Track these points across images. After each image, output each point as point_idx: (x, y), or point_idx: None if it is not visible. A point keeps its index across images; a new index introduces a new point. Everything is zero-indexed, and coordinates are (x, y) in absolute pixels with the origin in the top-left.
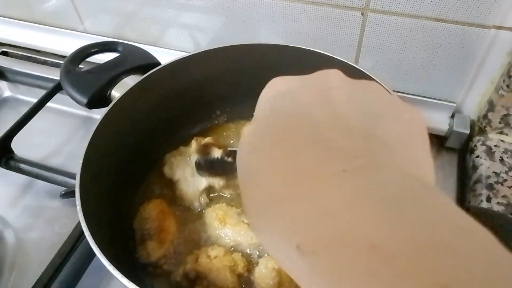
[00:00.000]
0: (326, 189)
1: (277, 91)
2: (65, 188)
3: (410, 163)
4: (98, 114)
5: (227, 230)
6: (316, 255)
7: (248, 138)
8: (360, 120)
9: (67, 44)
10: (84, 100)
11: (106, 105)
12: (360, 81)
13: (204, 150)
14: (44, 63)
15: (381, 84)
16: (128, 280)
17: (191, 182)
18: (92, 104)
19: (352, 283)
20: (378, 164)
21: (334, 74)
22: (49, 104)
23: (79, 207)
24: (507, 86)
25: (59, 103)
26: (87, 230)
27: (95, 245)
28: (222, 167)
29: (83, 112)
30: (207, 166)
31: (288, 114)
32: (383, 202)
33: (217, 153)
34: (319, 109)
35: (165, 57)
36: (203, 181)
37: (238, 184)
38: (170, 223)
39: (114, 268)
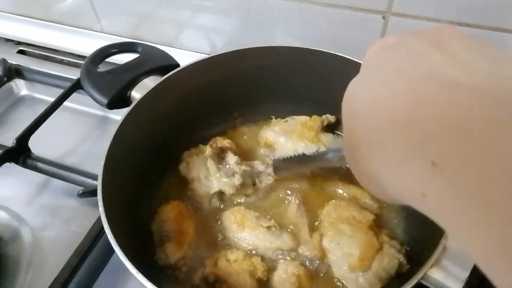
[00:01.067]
0: (460, 108)
1: (385, 43)
2: (83, 188)
3: None
4: (114, 114)
5: (246, 233)
6: (456, 170)
7: (354, 86)
8: (484, 63)
9: (84, 43)
10: (105, 101)
11: (126, 106)
12: (475, 38)
13: (220, 154)
14: (61, 62)
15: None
16: (146, 280)
17: (204, 183)
18: (112, 104)
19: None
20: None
21: (448, 29)
22: (65, 103)
23: (101, 209)
24: None
25: (75, 102)
26: (110, 233)
27: (118, 247)
28: (300, 163)
29: (99, 111)
30: (283, 166)
31: (402, 57)
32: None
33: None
34: (438, 53)
35: (181, 57)
36: (215, 185)
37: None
38: (189, 225)
39: (138, 272)
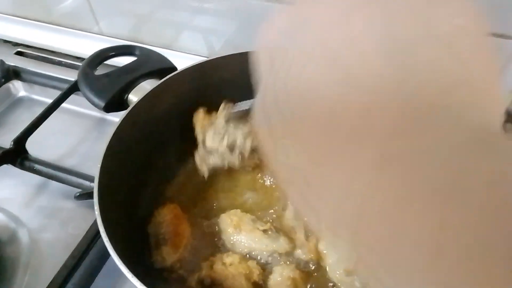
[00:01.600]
0: (366, 182)
1: (276, 34)
2: (80, 190)
3: (470, 97)
4: (112, 116)
5: (242, 236)
6: (374, 252)
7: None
8: (392, 61)
9: (82, 45)
10: (102, 104)
11: (123, 109)
12: None
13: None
14: (59, 63)
15: None
16: (141, 283)
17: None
18: (109, 107)
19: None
20: (420, 132)
21: None
22: (63, 104)
23: (97, 212)
24: None
25: (73, 104)
26: (106, 236)
27: (113, 250)
28: None
29: (97, 113)
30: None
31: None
32: (432, 190)
33: None
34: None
35: (179, 60)
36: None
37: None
38: (185, 227)
39: (133, 276)
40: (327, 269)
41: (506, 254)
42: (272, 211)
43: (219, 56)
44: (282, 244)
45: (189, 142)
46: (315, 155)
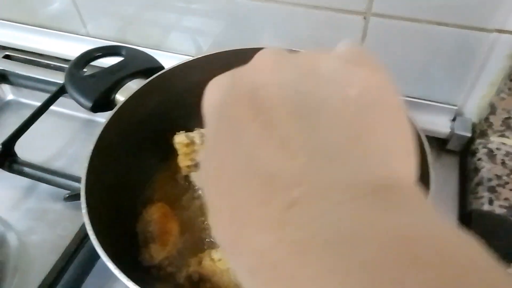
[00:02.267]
0: (267, 239)
1: (214, 101)
2: (69, 191)
3: (373, 155)
4: (100, 117)
5: None
6: None
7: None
8: (296, 125)
9: (69, 47)
10: (89, 104)
11: (110, 109)
12: (293, 57)
13: None
14: (47, 66)
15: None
16: (133, 283)
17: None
18: (96, 107)
19: None
20: (323, 185)
21: (262, 62)
22: (52, 107)
23: (84, 211)
24: (508, 89)
25: (62, 106)
26: (93, 235)
27: (101, 249)
28: None
29: (85, 115)
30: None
31: (223, 136)
32: (333, 240)
33: None
34: (250, 122)
35: (167, 60)
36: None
37: None
38: (173, 225)
39: (120, 272)
40: None
41: None
42: None
43: (208, 54)
44: None
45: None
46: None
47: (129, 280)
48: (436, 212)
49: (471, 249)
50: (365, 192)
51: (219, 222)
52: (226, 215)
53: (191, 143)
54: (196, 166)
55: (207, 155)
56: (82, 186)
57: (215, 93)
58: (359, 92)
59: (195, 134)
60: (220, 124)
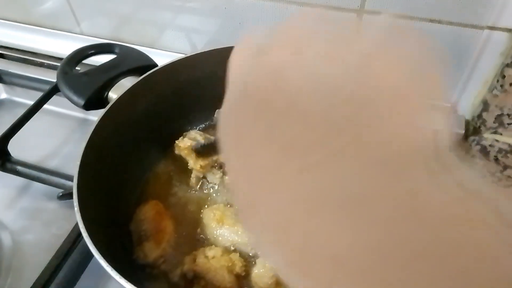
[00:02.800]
0: (284, 195)
1: (247, 53)
2: (62, 190)
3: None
4: (94, 116)
5: (225, 230)
6: (287, 269)
7: (221, 125)
8: (315, 100)
9: (63, 46)
10: (81, 102)
11: (103, 107)
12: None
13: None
14: (41, 65)
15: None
16: (126, 281)
17: None
18: (89, 105)
19: None
20: (337, 153)
21: (308, 16)
22: (45, 106)
23: (76, 209)
24: (501, 86)
25: (55, 105)
26: (85, 232)
27: (94, 247)
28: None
29: (79, 114)
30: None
31: (254, 91)
32: (344, 201)
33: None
34: (272, 94)
35: (162, 59)
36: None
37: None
38: (167, 224)
39: (112, 269)
40: (253, 278)
41: (403, 267)
42: None
43: (200, 51)
44: None
45: (170, 139)
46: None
47: (122, 277)
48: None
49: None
50: (377, 160)
51: (237, 183)
52: (244, 176)
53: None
54: (210, 164)
55: (227, 117)
56: (74, 185)
57: (241, 61)
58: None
59: (194, 135)
60: (243, 93)
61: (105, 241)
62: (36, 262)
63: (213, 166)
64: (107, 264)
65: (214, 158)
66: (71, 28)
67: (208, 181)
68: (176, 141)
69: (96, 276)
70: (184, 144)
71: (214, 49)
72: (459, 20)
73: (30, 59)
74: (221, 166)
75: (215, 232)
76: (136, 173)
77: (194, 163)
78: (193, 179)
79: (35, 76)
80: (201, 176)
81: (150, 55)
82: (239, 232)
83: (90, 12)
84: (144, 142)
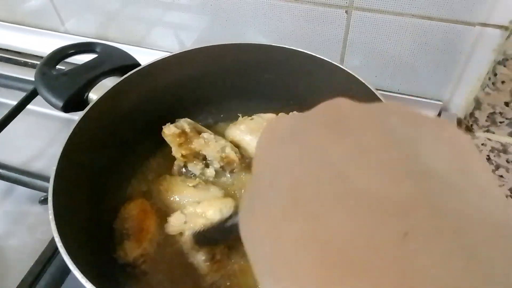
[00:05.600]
0: (391, 275)
1: (275, 135)
2: (45, 194)
3: (478, 196)
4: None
5: (175, 197)
6: None
7: (248, 202)
8: (394, 151)
9: (48, 45)
10: (60, 104)
11: (84, 109)
12: (374, 104)
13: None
14: (25, 64)
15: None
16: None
17: None
18: (68, 107)
19: None
20: (444, 210)
21: (341, 102)
22: (29, 106)
23: (51, 217)
24: (493, 84)
25: (39, 106)
26: (59, 241)
27: (68, 257)
28: (221, 234)
29: (64, 114)
30: (202, 238)
31: (297, 160)
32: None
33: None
34: (336, 144)
35: (149, 57)
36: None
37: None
38: (151, 222)
39: (87, 280)
40: None
41: None
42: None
43: (185, 50)
44: (214, 193)
45: (153, 138)
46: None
47: (89, 283)
48: None
49: None
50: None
51: (300, 261)
52: (314, 250)
53: (183, 132)
54: (192, 154)
55: (265, 187)
56: (49, 189)
57: (277, 126)
58: (452, 136)
59: (182, 123)
60: (292, 149)
61: (84, 243)
62: (20, 267)
63: (195, 157)
64: (82, 276)
65: (197, 149)
66: (55, 27)
67: (189, 171)
68: (163, 127)
69: (80, 283)
70: (169, 130)
71: (200, 48)
72: (451, 17)
73: (14, 58)
74: (204, 158)
75: (168, 200)
76: (122, 173)
77: (176, 152)
78: (175, 167)
79: (19, 75)
80: (182, 165)
81: (137, 54)
82: (189, 195)
83: (74, 10)
84: (129, 142)
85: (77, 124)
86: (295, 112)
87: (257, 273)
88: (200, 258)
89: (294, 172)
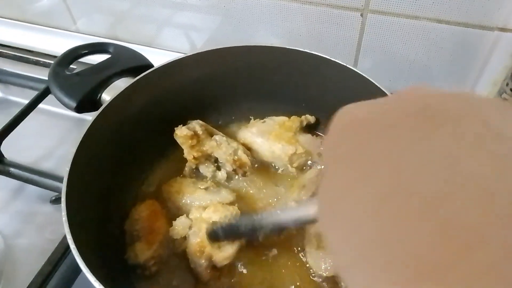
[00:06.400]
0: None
1: (353, 119)
2: (56, 193)
3: None
4: (91, 115)
5: (187, 199)
6: None
7: (331, 194)
8: (498, 142)
9: (59, 44)
10: (73, 104)
11: (97, 109)
12: (457, 92)
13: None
14: (36, 63)
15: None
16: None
17: None
18: (81, 108)
19: None
20: None
21: (423, 90)
22: (41, 105)
23: (64, 218)
24: (511, 90)
25: (51, 105)
26: (72, 243)
27: (80, 259)
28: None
29: (75, 113)
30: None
31: (394, 150)
32: None
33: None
34: (435, 133)
35: (160, 57)
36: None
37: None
38: (161, 224)
39: (100, 284)
40: None
41: None
42: None
43: (197, 52)
44: (225, 195)
45: (165, 140)
46: None
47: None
48: None
49: None
50: None
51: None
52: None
53: (195, 134)
54: (204, 157)
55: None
56: (63, 190)
57: (355, 112)
58: None
59: (194, 125)
60: (383, 137)
61: (96, 245)
62: (29, 267)
63: (207, 159)
64: (95, 279)
65: (209, 151)
66: (67, 26)
67: (200, 173)
68: (175, 128)
69: (89, 283)
70: (181, 132)
71: (212, 50)
72: (468, 21)
73: (26, 57)
74: (215, 160)
75: (179, 203)
76: (134, 173)
77: (188, 153)
78: (186, 169)
79: (30, 74)
80: (194, 167)
81: (148, 54)
82: (200, 198)
83: (86, 9)
84: (141, 143)
85: (91, 125)
86: (364, 101)
87: (341, 266)
88: (201, 265)
89: (394, 163)
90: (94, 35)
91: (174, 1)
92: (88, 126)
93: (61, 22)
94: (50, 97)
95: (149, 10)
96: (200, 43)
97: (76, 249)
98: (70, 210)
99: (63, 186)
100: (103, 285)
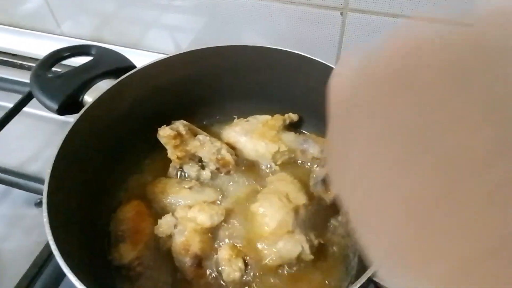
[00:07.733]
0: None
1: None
2: (41, 196)
3: None
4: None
5: (171, 199)
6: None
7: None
8: (466, 95)
9: (44, 47)
10: (55, 106)
11: (79, 111)
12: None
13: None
14: (21, 67)
15: None
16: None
17: None
18: (63, 110)
19: None
20: None
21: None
22: (25, 109)
23: (46, 219)
24: None
25: (35, 108)
26: (54, 245)
27: (62, 261)
28: None
29: (60, 116)
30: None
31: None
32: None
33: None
34: (401, 103)
35: (145, 59)
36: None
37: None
38: (147, 224)
39: (81, 284)
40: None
41: None
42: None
43: (180, 52)
44: (209, 194)
45: (149, 141)
46: None
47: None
48: None
49: None
50: None
51: (387, 213)
52: (400, 213)
53: (178, 134)
54: (188, 156)
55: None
56: (44, 192)
57: (346, 77)
58: None
59: (177, 125)
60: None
61: (79, 246)
62: (16, 270)
63: (191, 159)
64: (76, 279)
65: (192, 151)
66: (52, 29)
67: (185, 173)
68: (158, 129)
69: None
70: (164, 132)
71: (196, 50)
72: (447, 17)
73: (10, 60)
74: (199, 160)
75: (163, 202)
76: (118, 175)
77: (171, 153)
78: (170, 169)
79: (15, 78)
80: (178, 167)
81: (134, 56)
82: (185, 197)
83: (71, 12)
84: (125, 144)
85: (72, 127)
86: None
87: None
88: (186, 263)
89: (371, 129)
90: (79, 38)
91: (159, 2)
92: (69, 128)
93: (46, 26)
94: (34, 100)
95: (134, 12)
96: (185, 44)
97: (57, 250)
98: (52, 212)
99: (44, 189)
100: (86, 286)
